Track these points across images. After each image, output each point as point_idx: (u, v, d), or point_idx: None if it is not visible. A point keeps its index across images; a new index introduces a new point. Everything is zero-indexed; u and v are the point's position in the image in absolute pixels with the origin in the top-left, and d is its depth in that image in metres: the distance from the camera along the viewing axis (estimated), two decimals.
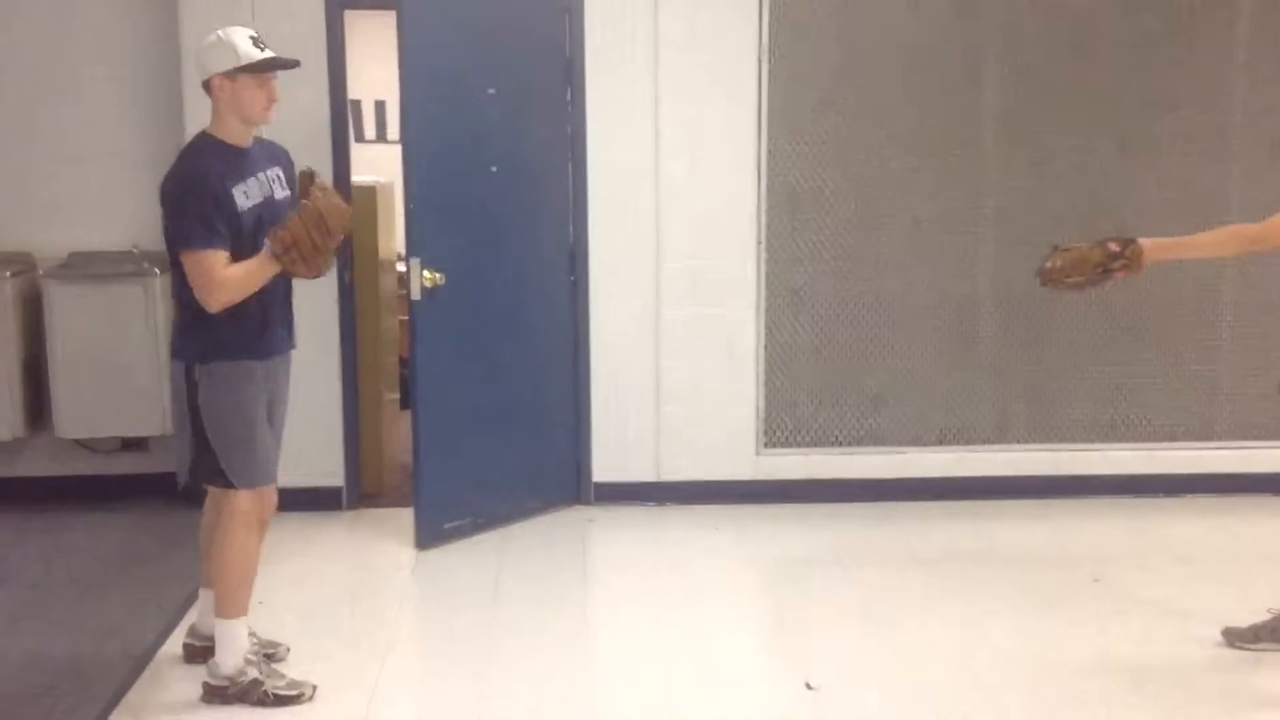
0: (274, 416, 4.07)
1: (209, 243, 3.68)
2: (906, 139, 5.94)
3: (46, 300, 5.69)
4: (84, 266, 5.76)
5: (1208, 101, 6.01)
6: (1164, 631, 4.48)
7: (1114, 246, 4.16)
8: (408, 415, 5.57)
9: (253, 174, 3.85)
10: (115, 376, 5.72)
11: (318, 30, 5.67)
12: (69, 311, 5.68)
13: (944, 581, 5.03)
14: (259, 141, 3.97)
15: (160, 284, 5.71)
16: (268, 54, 3.83)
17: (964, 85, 5.94)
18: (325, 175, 5.70)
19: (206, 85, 3.84)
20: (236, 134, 3.87)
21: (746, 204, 5.89)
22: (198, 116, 5.57)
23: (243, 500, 3.91)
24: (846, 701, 3.97)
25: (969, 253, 6.02)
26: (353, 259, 5.87)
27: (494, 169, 5.54)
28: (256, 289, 3.77)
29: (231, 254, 3.73)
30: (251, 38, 3.83)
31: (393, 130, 7.91)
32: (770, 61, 5.84)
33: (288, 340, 4.08)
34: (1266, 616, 4.30)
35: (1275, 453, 6.14)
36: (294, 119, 5.69)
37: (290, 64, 3.94)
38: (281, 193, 3.93)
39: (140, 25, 5.85)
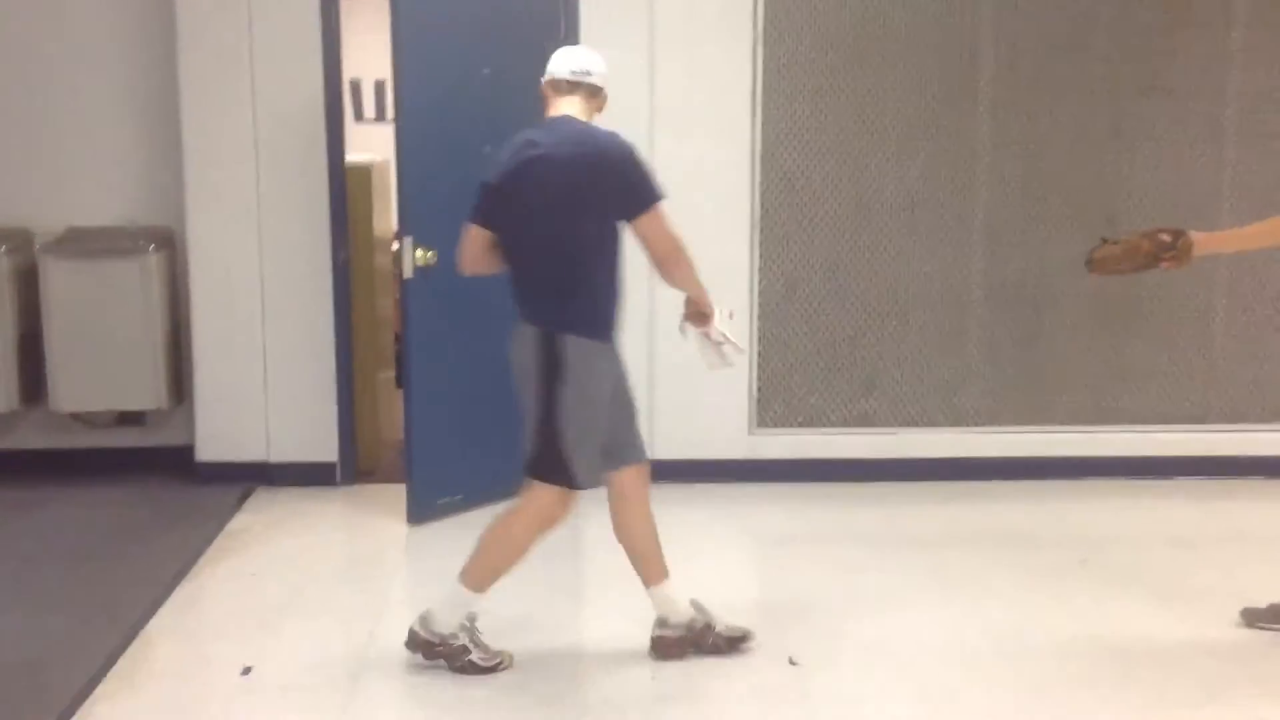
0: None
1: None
2: (901, 126, 5.95)
3: (43, 275, 5.71)
4: (81, 241, 5.78)
5: (1201, 90, 6.01)
6: (1153, 613, 4.48)
7: (1165, 237, 4.15)
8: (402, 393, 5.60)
9: None
10: (111, 350, 5.75)
11: (312, 10, 5.68)
12: (65, 286, 5.71)
13: (934, 561, 5.05)
14: None
15: (155, 260, 5.75)
16: None
17: (959, 72, 5.95)
18: (319, 154, 5.77)
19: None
20: None
21: (741, 188, 5.90)
22: (193, 95, 5.64)
23: None
24: (830, 677, 3.99)
25: (963, 238, 6.03)
26: (348, 237, 5.90)
27: (487, 149, 5.50)
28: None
29: None
30: None
31: (392, 110, 7.91)
32: (765, 46, 5.84)
33: None
34: None
35: (1268, 436, 6.16)
36: (288, 98, 5.76)
37: None
38: None
39: (137, 1, 5.85)
